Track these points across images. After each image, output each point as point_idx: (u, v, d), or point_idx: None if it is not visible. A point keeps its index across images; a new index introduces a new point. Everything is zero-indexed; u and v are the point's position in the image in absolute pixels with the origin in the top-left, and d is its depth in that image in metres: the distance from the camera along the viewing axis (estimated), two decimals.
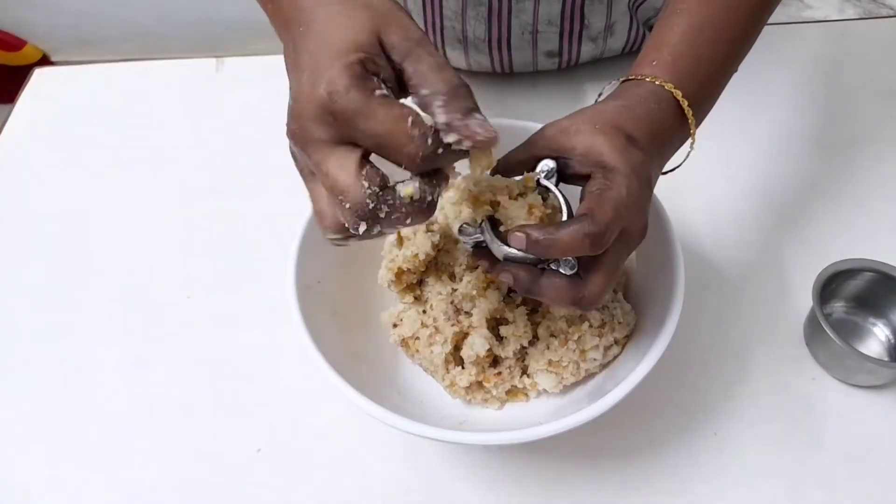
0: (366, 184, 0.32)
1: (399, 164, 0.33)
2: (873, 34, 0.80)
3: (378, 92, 0.32)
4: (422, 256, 0.49)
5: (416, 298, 0.52)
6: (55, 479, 0.52)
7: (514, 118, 0.52)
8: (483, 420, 0.49)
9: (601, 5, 0.67)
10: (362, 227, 0.33)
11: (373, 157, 0.34)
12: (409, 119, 0.31)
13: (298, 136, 0.34)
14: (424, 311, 0.50)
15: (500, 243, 0.39)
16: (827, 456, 0.50)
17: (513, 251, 0.38)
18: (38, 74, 0.82)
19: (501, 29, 0.68)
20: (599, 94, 0.45)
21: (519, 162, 0.41)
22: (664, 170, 0.44)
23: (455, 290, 0.50)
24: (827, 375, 0.54)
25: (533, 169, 0.41)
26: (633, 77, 0.43)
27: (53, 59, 1.67)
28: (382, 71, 0.33)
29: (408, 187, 0.34)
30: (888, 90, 0.74)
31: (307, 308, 0.47)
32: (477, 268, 0.51)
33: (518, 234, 0.37)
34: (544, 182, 0.41)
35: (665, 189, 0.50)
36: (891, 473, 0.49)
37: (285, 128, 0.35)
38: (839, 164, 0.67)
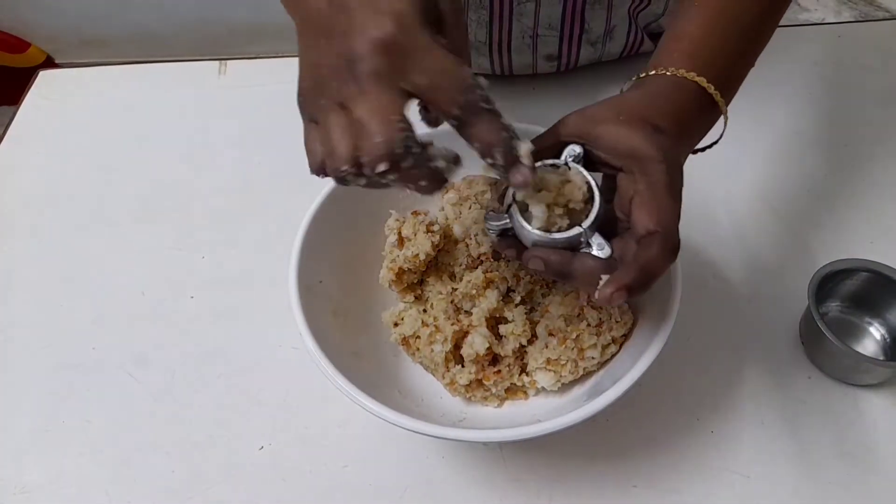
0: (405, 125, 0.32)
1: (441, 109, 0.33)
2: (869, 36, 0.81)
3: (441, 39, 0.33)
4: (422, 257, 0.50)
5: (417, 298, 0.53)
6: (56, 478, 0.52)
7: (513, 120, 0.52)
8: (482, 418, 0.50)
9: (602, 10, 0.68)
10: (381, 166, 0.33)
11: None
12: (468, 73, 0.33)
13: (335, 66, 0.33)
14: (425, 311, 0.51)
15: (529, 228, 0.39)
16: (823, 454, 0.50)
17: (542, 235, 0.38)
18: (43, 77, 0.83)
19: (502, 33, 0.69)
20: (621, 89, 0.45)
21: (545, 148, 0.41)
22: (699, 146, 0.44)
23: (455, 289, 0.51)
24: (823, 374, 0.54)
25: (559, 155, 0.40)
26: (654, 72, 0.43)
27: (58, 60, 1.68)
28: (434, 25, 0.34)
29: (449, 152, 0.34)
30: (884, 92, 0.75)
31: (308, 308, 0.47)
32: (477, 267, 0.51)
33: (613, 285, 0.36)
34: (573, 166, 0.40)
35: None
36: (887, 472, 0.50)
37: (302, 61, 0.35)
38: (836, 165, 0.68)
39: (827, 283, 0.54)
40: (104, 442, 0.54)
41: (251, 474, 0.51)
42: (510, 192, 0.40)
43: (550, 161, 0.40)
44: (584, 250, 0.39)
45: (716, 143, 0.45)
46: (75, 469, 0.52)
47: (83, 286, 0.63)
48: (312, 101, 0.35)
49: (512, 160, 0.35)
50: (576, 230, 0.39)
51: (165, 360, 0.58)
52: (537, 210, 0.38)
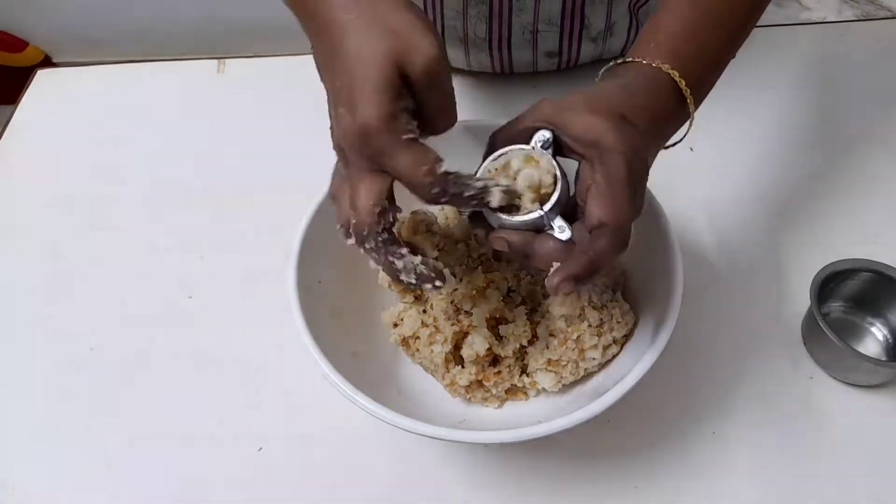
0: (377, 209, 0.37)
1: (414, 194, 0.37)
2: (871, 35, 0.81)
3: (405, 136, 0.36)
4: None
5: (417, 298, 0.52)
6: (55, 479, 0.52)
7: (504, 117, 0.52)
8: (483, 419, 0.50)
9: (602, 5, 0.67)
10: (349, 241, 0.39)
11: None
12: (425, 168, 0.36)
13: (340, 152, 0.39)
14: (424, 311, 0.51)
15: (493, 213, 0.40)
16: (825, 455, 0.50)
17: (506, 218, 0.39)
18: (41, 76, 0.82)
19: (502, 28, 0.68)
20: (597, 76, 0.45)
21: (515, 133, 0.42)
22: (666, 144, 0.44)
23: (455, 289, 0.50)
24: (825, 375, 0.54)
25: (528, 140, 0.41)
26: (631, 59, 0.43)
27: (56, 60, 1.67)
28: (407, 103, 0.36)
29: (415, 260, 0.39)
30: (886, 91, 0.74)
31: (308, 308, 0.47)
32: (477, 268, 0.51)
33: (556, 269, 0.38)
34: (539, 150, 0.40)
35: (663, 188, 0.50)
36: (888, 472, 0.49)
37: (331, 132, 0.39)
38: (838, 165, 0.68)
39: (829, 284, 0.54)
40: (102, 442, 0.53)
41: (250, 475, 0.51)
42: (478, 173, 0.41)
43: (519, 146, 0.41)
44: (546, 232, 0.40)
45: (679, 141, 0.45)
46: (73, 469, 0.52)
47: (81, 286, 0.63)
48: (341, 163, 0.40)
49: (487, 202, 0.38)
50: (536, 213, 0.39)
51: (164, 360, 0.58)
52: (497, 196, 0.39)
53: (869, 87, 0.75)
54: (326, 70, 0.38)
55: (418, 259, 0.40)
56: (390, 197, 0.38)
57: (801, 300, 0.55)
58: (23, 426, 0.55)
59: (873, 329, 0.56)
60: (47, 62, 1.65)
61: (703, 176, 0.66)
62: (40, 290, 0.63)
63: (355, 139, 0.36)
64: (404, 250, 0.39)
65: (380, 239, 0.38)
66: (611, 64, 0.44)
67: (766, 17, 0.50)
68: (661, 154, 0.43)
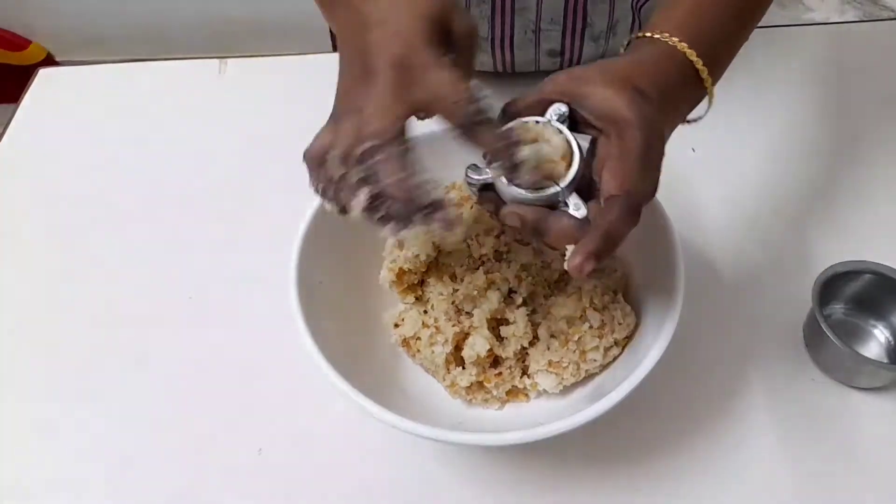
0: (401, 124, 0.37)
1: (443, 119, 0.37)
2: (874, 37, 0.81)
3: (444, 57, 0.37)
4: (423, 257, 0.50)
5: (418, 299, 0.52)
6: (55, 480, 0.52)
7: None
8: (483, 420, 0.49)
9: (604, 4, 0.67)
10: (367, 143, 0.36)
11: None
12: (463, 86, 0.36)
13: (359, 78, 0.38)
14: (425, 312, 0.51)
15: (507, 183, 0.39)
16: (827, 458, 0.50)
17: (521, 192, 0.38)
18: (42, 75, 0.82)
19: (504, 27, 0.68)
20: (621, 51, 0.45)
21: (528, 105, 0.41)
22: (688, 118, 0.44)
23: (456, 290, 0.50)
24: (827, 377, 0.54)
25: (543, 113, 0.40)
26: (646, 34, 0.42)
27: (58, 58, 1.68)
28: (442, 45, 0.38)
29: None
30: (888, 93, 0.74)
31: (308, 309, 0.47)
32: (478, 268, 0.51)
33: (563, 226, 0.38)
34: (556, 125, 0.39)
35: (665, 189, 0.50)
36: (891, 475, 0.49)
37: (340, 72, 0.40)
38: (840, 167, 0.67)
39: (831, 285, 0.54)
40: (102, 444, 0.53)
41: (250, 477, 0.51)
42: None
43: (535, 118, 0.40)
44: (562, 208, 0.39)
45: (701, 117, 0.45)
46: (73, 471, 0.52)
47: (81, 286, 0.63)
48: (341, 106, 0.40)
49: (513, 162, 0.37)
50: (553, 189, 0.38)
51: (163, 361, 0.57)
52: (525, 150, 0.38)
53: (872, 88, 0.75)
54: (350, 51, 0.39)
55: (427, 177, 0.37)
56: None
57: (803, 302, 0.55)
58: (22, 427, 0.55)
59: (875, 331, 0.56)
60: (49, 60, 1.66)
61: (705, 176, 0.66)
62: (40, 289, 0.63)
63: (392, 57, 0.36)
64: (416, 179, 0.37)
65: (399, 147, 0.36)
66: (631, 37, 0.44)
67: (768, 18, 0.50)
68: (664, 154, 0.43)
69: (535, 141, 0.39)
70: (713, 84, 0.43)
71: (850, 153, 0.69)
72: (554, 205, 0.39)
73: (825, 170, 0.67)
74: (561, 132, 0.39)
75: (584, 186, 0.39)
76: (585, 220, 0.38)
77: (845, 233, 0.62)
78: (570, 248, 0.37)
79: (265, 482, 0.51)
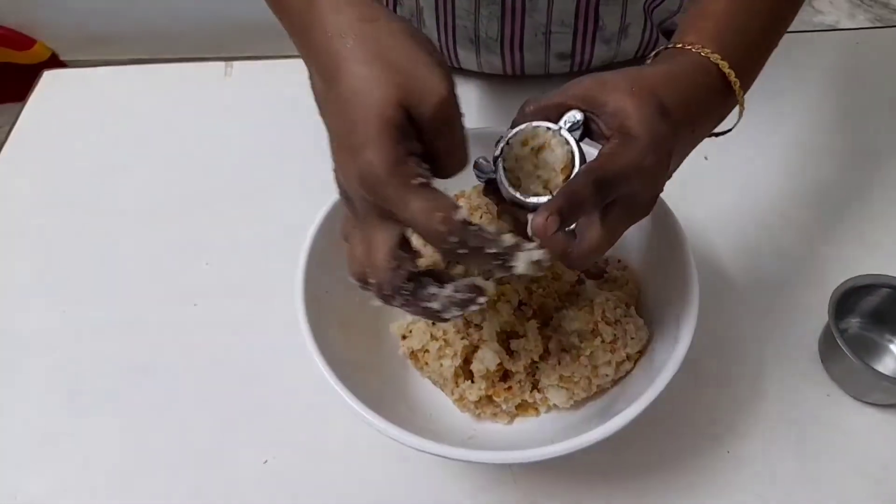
0: (394, 264, 0.35)
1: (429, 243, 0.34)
2: (888, 43, 0.79)
3: (414, 181, 0.32)
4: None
5: None
6: (56, 489, 0.51)
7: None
8: (492, 435, 0.49)
9: (616, 6, 0.66)
10: (376, 302, 0.37)
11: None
12: (439, 216, 0.32)
13: (346, 199, 0.36)
14: (434, 324, 0.50)
15: (507, 184, 0.40)
16: (841, 474, 0.49)
17: (517, 195, 0.39)
18: (47, 77, 0.81)
19: (514, 28, 0.67)
20: (648, 59, 0.44)
21: (546, 107, 0.40)
22: (714, 131, 0.43)
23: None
24: (841, 392, 0.53)
25: (559, 116, 0.40)
26: (679, 45, 0.42)
27: (63, 57, 1.68)
28: (415, 147, 0.33)
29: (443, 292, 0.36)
30: None
31: (315, 318, 0.46)
32: (488, 280, 0.50)
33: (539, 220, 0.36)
34: (564, 134, 0.39)
35: (678, 199, 0.49)
36: None
37: (333, 173, 0.36)
38: (856, 177, 0.66)
39: (847, 299, 0.53)
40: (105, 452, 0.53)
41: (255, 488, 0.50)
42: (500, 144, 0.41)
43: (546, 124, 0.40)
44: None
45: (729, 130, 0.45)
46: (75, 480, 0.51)
47: (85, 291, 0.62)
48: (346, 194, 0.37)
49: (508, 270, 0.35)
50: (546, 198, 0.39)
51: (167, 369, 0.57)
52: (524, 263, 0.37)
53: (886, 95, 0.73)
54: (324, 107, 0.35)
55: (450, 287, 0.36)
56: (406, 244, 0.35)
57: (819, 315, 0.54)
58: (26, 434, 0.54)
59: (892, 346, 0.55)
60: (54, 59, 1.66)
61: (718, 186, 0.65)
62: (43, 292, 0.62)
63: (361, 188, 0.33)
64: (433, 289, 0.35)
65: (405, 291, 0.35)
66: (661, 48, 0.43)
67: None
68: None
69: (542, 148, 0.40)
70: (744, 93, 0.42)
71: (867, 163, 0.67)
72: None
73: (841, 180, 0.66)
74: (567, 143, 0.39)
75: None
76: (572, 233, 0.38)
77: (862, 245, 0.61)
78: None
79: (270, 493, 0.50)
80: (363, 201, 0.34)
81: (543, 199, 0.39)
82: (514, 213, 0.41)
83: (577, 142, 0.39)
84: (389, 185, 0.32)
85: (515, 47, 0.70)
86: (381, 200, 0.33)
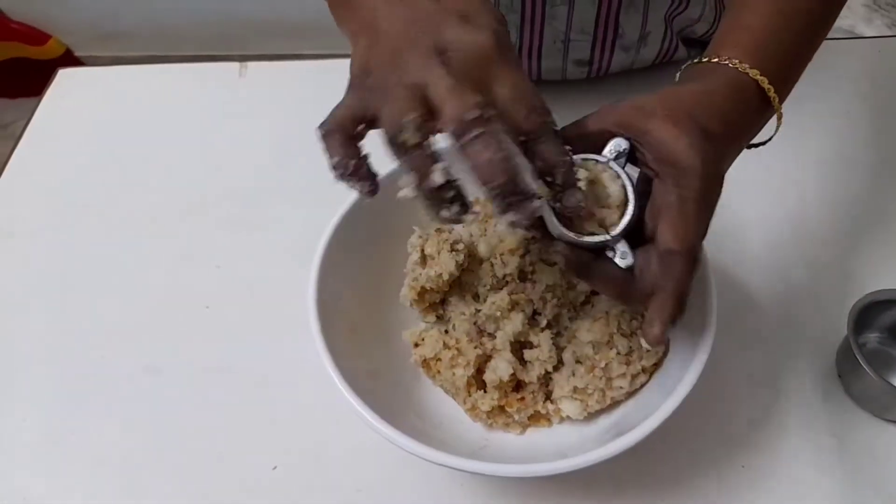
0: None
1: (514, 123, 0.34)
2: None
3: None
4: (445, 276, 0.48)
5: (439, 318, 0.51)
6: (62, 492, 0.51)
7: None
8: (504, 445, 0.48)
9: (637, 14, 0.65)
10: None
11: None
12: (541, 98, 0.35)
13: (424, 53, 0.34)
14: (447, 332, 0.49)
15: (556, 222, 0.38)
16: (858, 492, 0.48)
17: (568, 234, 0.38)
18: (62, 76, 0.81)
19: (534, 37, 0.67)
20: (677, 75, 0.43)
21: (588, 134, 0.39)
22: (752, 142, 0.43)
23: (478, 310, 0.49)
24: (859, 408, 0.52)
25: (601, 144, 0.38)
26: (713, 59, 0.41)
27: (77, 53, 1.68)
28: None
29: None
30: None
31: (327, 324, 0.46)
32: (502, 288, 0.49)
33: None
34: (615, 168, 0.38)
35: None
36: None
37: (382, 40, 0.36)
38: (876, 189, 0.65)
39: (867, 313, 0.52)
40: (111, 456, 0.52)
41: (264, 494, 0.50)
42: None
43: (594, 157, 0.39)
44: (608, 254, 0.38)
45: (766, 142, 0.44)
46: (81, 483, 0.51)
47: (96, 292, 0.62)
48: (381, 76, 0.35)
49: (570, 183, 0.36)
50: (602, 237, 0.38)
51: (177, 372, 0.56)
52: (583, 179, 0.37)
53: None
54: (411, 24, 0.35)
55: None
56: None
57: (837, 330, 0.53)
58: (29, 437, 0.54)
59: None
60: (69, 55, 1.66)
61: (737, 197, 0.64)
62: (54, 294, 0.62)
63: (469, 51, 0.34)
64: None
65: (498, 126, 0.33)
66: (690, 62, 0.42)
67: None
68: None
69: (592, 182, 0.38)
70: (781, 103, 0.41)
71: (887, 175, 0.66)
72: (600, 250, 0.38)
73: (863, 192, 0.65)
74: (618, 177, 0.38)
75: (637, 228, 0.38)
76: (630, 268, 0.38)
77: (883, 259, 0.60)
78: (647, 318, 0.37)
79: (279, 499, 0.50)
80: (462, 64, 0.34)
81: (599, 237, 0.38)
82: (543, 231, 0.40)
83: (626, 173, 0.38)
84: (513, 52, 0.35)
85: (534, 54, 0.69)
86: (486, 74, 0.34)
